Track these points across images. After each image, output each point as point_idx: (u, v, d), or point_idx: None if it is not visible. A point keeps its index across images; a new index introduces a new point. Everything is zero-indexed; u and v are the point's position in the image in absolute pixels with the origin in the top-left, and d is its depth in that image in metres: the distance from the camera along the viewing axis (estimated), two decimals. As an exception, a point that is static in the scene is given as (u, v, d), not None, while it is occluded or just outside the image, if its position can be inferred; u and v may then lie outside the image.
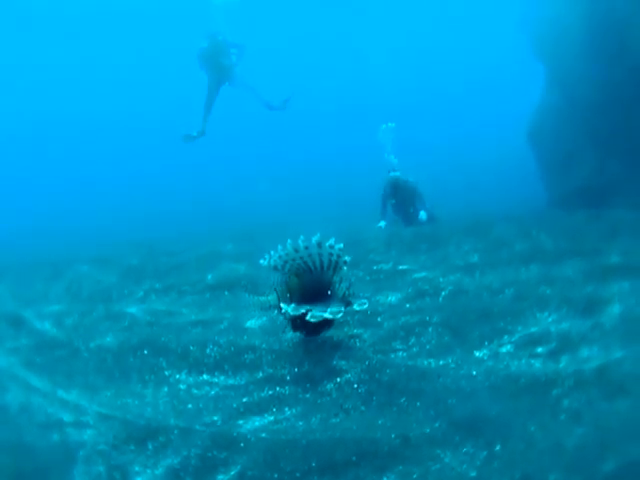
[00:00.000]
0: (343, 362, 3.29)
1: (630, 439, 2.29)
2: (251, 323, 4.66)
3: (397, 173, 13.42)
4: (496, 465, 2.16)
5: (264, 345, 3.86)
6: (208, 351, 3.73)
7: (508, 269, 6.18)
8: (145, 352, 3.78)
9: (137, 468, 2.29)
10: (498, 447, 2.31)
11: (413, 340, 3.77)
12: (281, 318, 3.98)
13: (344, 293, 3.75)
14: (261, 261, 3.94)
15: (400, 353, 3.57)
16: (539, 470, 2.08)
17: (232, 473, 2.21)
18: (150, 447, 2.45)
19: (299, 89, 13.93)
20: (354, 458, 2.27)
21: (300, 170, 29.19)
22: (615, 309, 4.32)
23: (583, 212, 12.69)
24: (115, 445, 2.48)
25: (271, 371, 3.36)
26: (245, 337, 4.19)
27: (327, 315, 3.39)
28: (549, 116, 17.52)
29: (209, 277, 6.67)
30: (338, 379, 3.12)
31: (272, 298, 3.86)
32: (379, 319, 4.36)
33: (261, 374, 3.37)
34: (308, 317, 3.42)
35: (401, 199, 13.49)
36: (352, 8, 30.00)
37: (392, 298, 5.06)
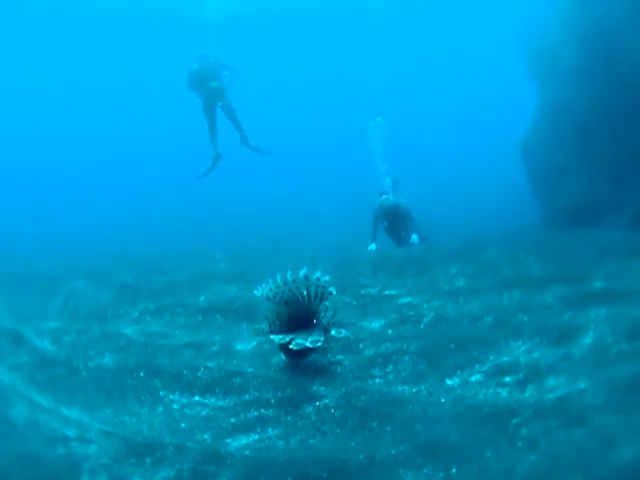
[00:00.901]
0: (322, 388, 3.67)
1: (576, 468, 2.65)
2: (241, 346, 5.04)
3: (389, 196, 13.72)
4: None
5: (252, 369, 4.25)
6: (200, 374, 4.10)
7: (491, 295, 6.52)
8: (141, 374, 4.15)
9: (136, 479, 2.68)
10: (454, 470, 2.69)
11: (390, 367, 4.16)
12: (270, 343, 4.44)
13: (328, 321, 4.26)
14: (255, 292, 4.49)
15: (377, 380, 3.96)
16: None
17: None
18: (148, 461, 2.83)
19: (273, 150, 13.88)
20: (325, 475, 2.65)
21: (294, 182, 29.55)
22: (587, 339, 4.58)
23: (574, 232, 13.09)
24: (116, 459, 2.85)
25: (257, 394, 3.75)
26: (235, 361, 4.57)
27: (307, 344, 3.89)
28: (541, 135, 17.89)
29: (201, 299, 7.02)
30: (317, 403, 3.50)
31: (264, 325, 4.36)
32: (361, 346, 4.75)
33: (248, 397, 3.75)
34: (292, 345, 3.92)
35: (393, 222, 13.82)
36: (349, 23, 30.48)
37: (376, 324, 5.44)
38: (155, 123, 33.97)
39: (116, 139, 37.39)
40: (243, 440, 3.07)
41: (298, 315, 4.32)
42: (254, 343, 5.06)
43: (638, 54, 12.40)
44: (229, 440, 3.06)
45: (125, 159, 36.57)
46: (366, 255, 11.28)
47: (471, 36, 31.88)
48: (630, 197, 12.96)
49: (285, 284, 4.31)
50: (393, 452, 2.84)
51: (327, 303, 4.39)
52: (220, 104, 12.71)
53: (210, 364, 4.39)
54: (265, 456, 2.81)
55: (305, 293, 4.26)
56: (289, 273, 4.27)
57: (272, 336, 4.16)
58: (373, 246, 13.60)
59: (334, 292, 4.32)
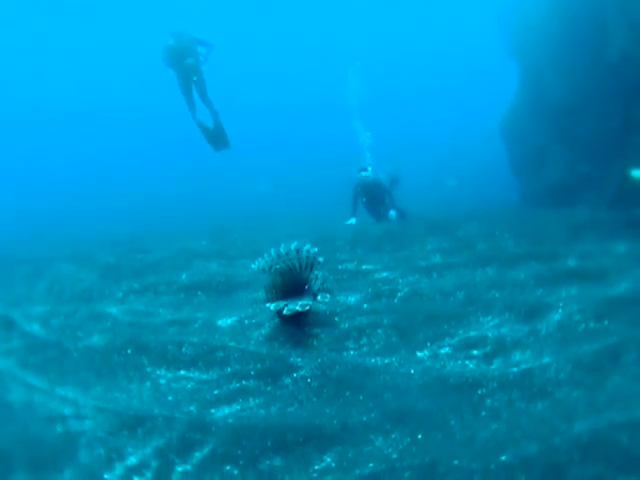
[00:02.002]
0: (299, 360, 3.94)
1: (534, 437, 2.92)
2: (222, 322, 5.31)
3: (367, 172, 14.02)
4: (414, 450, 2.81)
5: (233, 344, 4.51)
6: (184, 349, 4.37)
7: (465, 271, 6.84)
8: (129, 351, 4.41)
9: (130, 449, 2.92)
10: (420, 436, 2.97)
11: (364, 340, 4.45)
12: (249, 319, 4.76)
13: (318, 288, 4.77)
14: (252, 265, 4.98)
15: (351, 352, 4.25)
16: (447, 456, 2.72)
17: (205, 451, 2.85)
18: (139, 432, 3.09)
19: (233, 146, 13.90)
20: (301, 439, 2.93)
21: (280, 163, 29.74)
22: (556, 316, 4.85)
23: (553, 210, 13.44)
24: (111, 432, 3.11)
25: (238, 367, 4.02)
26: (217, 336, 4.83)
27: (298, 308, 4.38)
28: (522, 115, 18.22)
29: (183, 277, 7.26)
30: (294, 374, 3.77)
31: (262, 294, 5.04)
32: (337, 319, 5.03)
33: (230, 369, 4.01)
34: (285, 311, 4.43)
35: (371, 197, 14.14)
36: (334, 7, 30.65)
37: (352, 299, 5.71)
38: (139, 103, 34.01)
39: (98, 120, 37.40)
40: (226, 410, 3.34)
41: (291, 284, 4.85)
42: (235, 318, 5.34)
43: (621, 34, 12.58)
44: (213, 410, 3.33)
45: (108, 141, 36.61)
46: (345, 230, 11.52)
47: (455, 18, 32.20)
48: (610, 175, 13.28)
49: (278, 256, 4.83)
50: (364, 419, 3.12)
51: (317, 272, 4.84)
52: (194, 79, 12.81)
53: (193, 339, 4.65)
54: (247, 424, 3.08)
55: (297, 264, 4.78)
56: (282, 246, 4.78)
57: (268, 304, 4.68)
58: (353, 220, 13.99)
59: (322, 261, 4.85)
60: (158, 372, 4.04)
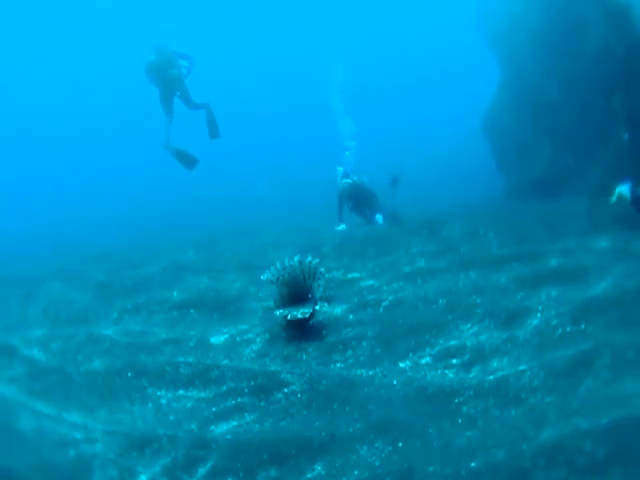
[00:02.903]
0: (289, 375, 4.33)
1: (503, 444, 3.30)
2: (215, 340, 5.71)
3: (349, 180, 14.38)
4: (395, 457, 3.21)
5: (226, 362, 4.91)
6: (181, 370, 4.75)
7: (448, 275, 7.22)
8: (129, 374, 4.79)
9: (140, 469, 3.31)
10: (400, 444, 3.37)
11: (350, 353, 4.85)
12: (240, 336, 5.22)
13: (321, 295, 5.49)
14: (262, 277, 5.67)
15: (338, 364, 4.65)
16: (424, 463, 3.12)
17: (208, 466, 3.24)
18: (147, 452, 3.48)
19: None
20: (294, 452, 3.32)
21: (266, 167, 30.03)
22: (534, 321, 5.23)
23: (537, 203, 13.83)
24: (121, 454, 3.49)
25: (233, 385, 4.41)
26: (210, 354, 5.23)
27: (299, 316, 5.12)
28: (503, 110, 18.56)
29: (175, 294, 7.65)
30: (285, 389, 4.17)
31: (270, 303, 5.72)
32: (324, 332, 5.44)
33: (225, 387, 4.41)
34: (288, 317, 5.14)
35: (356, 202, 14.52)
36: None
37: (338, 310, 6.11)
38: (126, 115, 34.23)
39: (82, 131, 37.60)
40: (224, 426, 3.74)
41: (296, 292, 5.52)
42: (227, 335, 5.74)
43: (600, 27, 12.92)
44: (212, 427, 3.73)
45: (92, 151, 36.82)
46: (331, 236, 11.90)
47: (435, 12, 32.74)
48: (592, 167, 13.61)
49: (284, 269, 5.55)
50: (350, 430, 3.52)
51: (319, 281, 5.55)
52: (178, 93, 13.01)
53: (189, 359, 5.04)
54: (243, 439, 3.48)
55: (301, 275, 5.47)
56: (286, 260, 5.49)
57: (275, 311, 5.41)
58: (343, 226, 14.26)
59: (323, 271, 5.64)
60: (158, 393, 4.42)
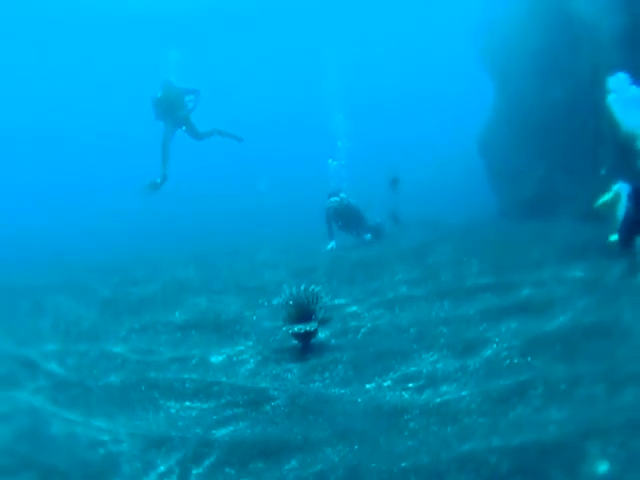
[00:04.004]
0: (276, 392, 5.70)
1: (431, 452, 4.39)
2: (214, 359, 7.09)
3: (337, 198, 15.82)
4: (350, 457, 4.51)
5: (224, 379, 6.27)
6: (187, 385, 6.09)
7: (424, 304, 8.55)
8: (142, 388, 6.13)
9: (159, 461, 4.64)
10: (356, 447, 4.73)
11: (327, 374, 6.21)
12: (237, 356, 6.63)
13: (322, 317, 7.15)
14: (274, 302, 8.07)
15: (317, 383, 6.02)
16: (369, 461, 4.39)
17: (212, 459, 4.55)
18: (163, 449, 4.81)
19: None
20: (276, 450, 4.66)
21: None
22: (487, 352, 6.38)
23: (529, 224, 15.11)
24: (143, 450, 4.83)
25: (230, 398, 5.74)
26: (211, 372, 6.62)
27: (296, 330, 6.85)
28: (498, 129, 19.78)
29: (177, 315, 9.02)
30: (272, 403, 5.50)
31: (281, 322, 7.32)
32: (308, 355, 6.84)
33: (224, 400, 5.74)
34: (290, 332, 6.77)
35: (345, 221, 16.00)
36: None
37: (322, 335, 7.48)
38: (128, 123, 35.50)
39: (75, 138, 38.92)
40: (223, 431, 5.09)
41: (302, 314, 7.15)
42: (224, 356, 7.13)
43: (596, 53, 14.08)
44: (214, 431, 5.07)
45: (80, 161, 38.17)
46: (323, 258, 13.36)
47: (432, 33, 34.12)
48: (584, 189, 14.12)
49: (292, 295, 7.29)
50: (320, 436, 4.86)
51: (320, 305, 7.21)
52: (184, 128, 14.36)
53: (193, 376, 6.41)
54: (238, 440, 4.82)
55: (306, 300, 7.10)
56: (294, 288, 7.19)
57: (284, 327, 7.13)
58: (333, 244, 15.70)
59: (323, 296, 7.27)
60: (168, 403, 5.78)
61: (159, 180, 14.35)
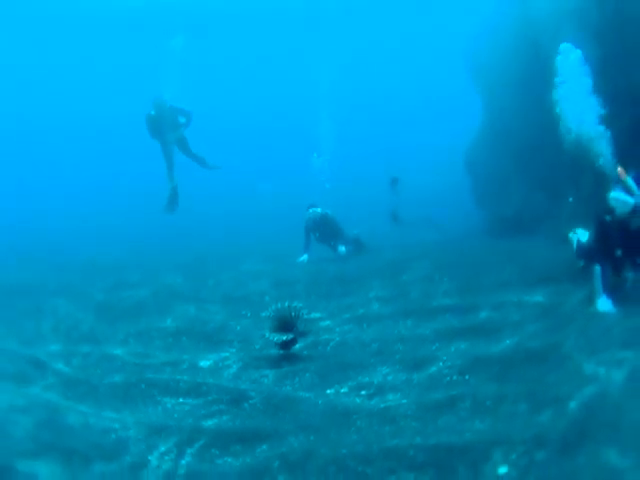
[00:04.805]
0: (253, 393, 7.37)
1: (366, 443, 5.86)
2: (203, 364, 8.84)
3: (317, 209, 17.46)
4: (306, 444, 6.02)
5: (212, 380, 7.96)
6: (181, 384, 7.78)
7: (389, 322, 10.14)
8: (143, 386, 7.90)
9: (160, 443, 6.21)
10: (312, 437, 6.31)
11: (297, 380, 7.91)
12: (222, 362, 8.43)
13: (302, 329, 8.89)
14: (262, 314, 9.35)
15: (288, 387, 7.70)
16: (320, 448, 5.90)
17: (201, 442, 6.13)
18: (163, 435, 6.34)
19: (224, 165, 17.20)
20: (251, 437, 6.31)
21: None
22: (433, 368, 7.80)
23: (508, 243, 16.53)
24: (147, 435, 6.42)
25: (216, 396, 7.37)
26: (200, 374, 8.35)
27: (275, 340, 8.59)
28: (484, 147, 21.17)
29: (169, 322, 10.78)
30: (250, 401, 7.14)
31: (267, 332, 8.95)
32: (283, 363, 8.60)
33: (211, 398, 7.35)
34: (272, 339, 8.53)
35: (322, 232, 17.60)
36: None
37: (297, 346, 9.21)
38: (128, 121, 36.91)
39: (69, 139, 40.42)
40: (210, 422, 6.72)
41: (285, 326, 8.85)
42: (211, 361, 8.84)
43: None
44: (203, 422, 6.72)
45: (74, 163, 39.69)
46: (304, 271, 15.28)
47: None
48: (564, 211, 15.89)
49: (277, 310, 9.03)
50: (286, 427, 6.57)
51: (301, 319, 8.96)
52: (177, 146, 15.86)
53: (185, 377, 8.08)
54: (222, 429, 6.44)
55: (288, 314, 8.86)
56: (279, 304, 8.99)
57: (269, 336, 8.79)
58: (305, 257, 17.39)
59: (304, 311, 9.11)
60: (165, 399, 7.48)
61: (170, 192, 15.90)
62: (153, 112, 15.53)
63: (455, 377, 7.38)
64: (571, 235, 11.26)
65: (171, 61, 17.04)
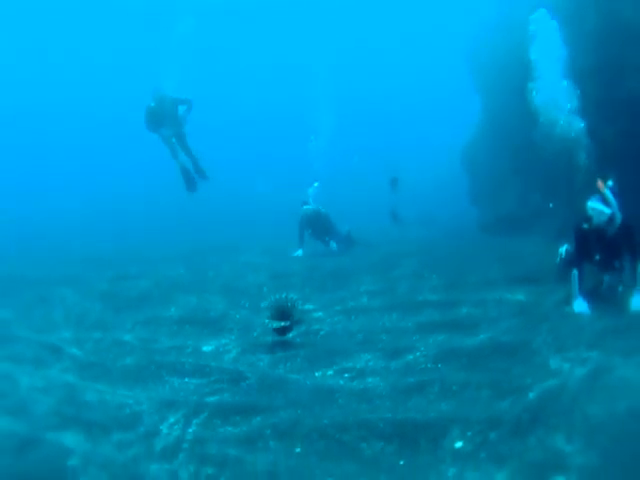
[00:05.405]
0: (250, 374, 8.65)
1: (343, 416, 7.19)
2: (205, 348, 10.19)
3: (310, 206, 18.55)
4: (294, 416, 7.20)
5: (214, 363, 9.20)
6: (186, 366, 9.05)
7: (376, 314, 11.36)
8: (152, 368, 9.20)
9: (170, 415, 7.39)
10: (299, 411, 7.49)
11: (288, 364, 9.12)
12: (223, 347, 9.86)
13: (298, 318, 10.03)
14: (261, 304, 10.70)
15: (280, 370, 8.93)
16: (304, 420, 7.14)
17: (205, 414, 7.33)
18: (172, 409, 7.57)
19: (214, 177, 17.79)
20: (249, 411, 7.55)
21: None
22: (410, 357, 8.65)
23: (502, 241, 17.84)
24: (157, 409, 7.58)
25: (217, 377, 8.61)
26: (203, 357, 9.67)
27: (274, 326, 9.78)
28: (481, 145, 22.18)
29: (172, 311, 12.16)
30: (247, 381, 8.40)
31: (267, 320, 10.07)
32: (277, 349, 9.91)
33: (213, 378, 8.62)
34: (271, 326, 9.77)
35: (315, 228, 18.81)
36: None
37: (290, 335, 10.54)
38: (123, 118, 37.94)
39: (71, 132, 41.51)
40: (212, 399, 7.91)
41: (282, 315, 9.98)
42: (213, 347, 10.18)
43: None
44: (206, 399, 7.96)
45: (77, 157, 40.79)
46: (299, 264, 16.57)
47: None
48: (559, 209, 16.70)
49: (276, 300, 10.11)
50: (278, 403, 7.83)
51: (297, 309, 10.07)
52: (174, 140, 16.58)
53: (189, 360, 9.35)
54: (223, 404, 7.68)
55: (285, 305, 10.00)
56: (277, 295, 10.08)
57: (267, 322, 9.93)
58: (300, 252, 18.57)
59: (300, 302, 10.20)
60: (172, 379, 8.74)
61: (181, 172, 16.71)
62: (153, 104, 16.06)
63: (429, 365, 8.35)
64: (560, 250, 11.71)
65: (178, 45, 18.07)
